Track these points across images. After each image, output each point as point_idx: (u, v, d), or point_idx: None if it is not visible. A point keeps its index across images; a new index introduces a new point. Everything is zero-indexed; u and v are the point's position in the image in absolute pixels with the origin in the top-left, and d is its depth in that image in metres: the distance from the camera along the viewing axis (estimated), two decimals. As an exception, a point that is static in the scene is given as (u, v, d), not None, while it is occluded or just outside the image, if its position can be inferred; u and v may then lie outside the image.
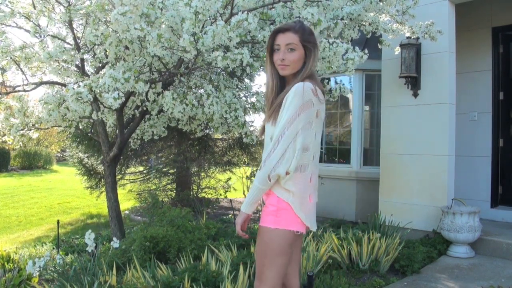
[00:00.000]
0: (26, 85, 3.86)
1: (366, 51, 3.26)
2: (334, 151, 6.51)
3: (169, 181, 8.06)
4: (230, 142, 7.61)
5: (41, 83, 3.99)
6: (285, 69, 1.82)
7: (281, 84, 1.90)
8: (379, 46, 4.01)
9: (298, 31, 1.81)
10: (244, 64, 2.85)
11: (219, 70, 4.20)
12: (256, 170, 2.12)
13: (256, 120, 25.22)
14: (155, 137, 4.41)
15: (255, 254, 1.87)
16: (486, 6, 5.09)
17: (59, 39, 3.65)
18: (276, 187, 1.78)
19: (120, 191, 5.62)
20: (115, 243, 3.15)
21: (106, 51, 3.63)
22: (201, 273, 2.78)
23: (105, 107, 3.81)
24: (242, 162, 8.14)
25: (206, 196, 7.77)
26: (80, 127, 4.16)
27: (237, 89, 4.67)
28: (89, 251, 3.08)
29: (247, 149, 7.59)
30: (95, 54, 3.73)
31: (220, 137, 7.71)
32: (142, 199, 6.77)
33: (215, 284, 2.73)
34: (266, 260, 1.79)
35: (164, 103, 3.39)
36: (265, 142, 1.92)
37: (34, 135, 3.91)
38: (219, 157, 7.64)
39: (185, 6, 2.63)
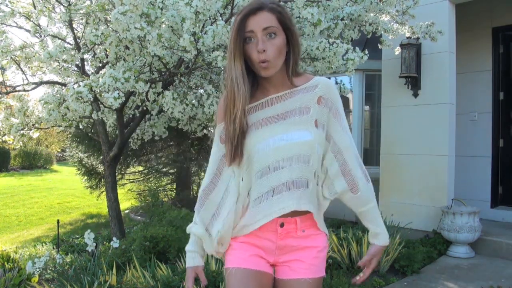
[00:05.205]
0: (26, 84, 3.87)
1: (366, 51, 3.26)
2: (334, 151, 6.50)
3: (169, 181, 8.05)
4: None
5: (41, 82, 3.99)
6: (268, 67, 1.21)
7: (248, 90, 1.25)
8: (380, 46, 4.01)
9: (274, 9, 1.21)
10: (244, 64, 2.85)
11: (219, 70, 4.20)
12: None
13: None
14: (156, 137, 4.41)
15: None
16: (486, 6, 5.09)
17: (59, 38, 3.66)
18: (320, 219, 1.38)
19: (120, 191, 5.62)
20: (115, 242, 3.15)
21: (106, 50, 3.63)
22: (201, 273, 2.77)
23: (105, 106, 3.81)
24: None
25: (206, 196, 7.74)
26: (80, 127, 4.16)
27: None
28: (89, 250, 3.08)
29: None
30: (95, 53, 3.73)
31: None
32: (142, 198, 6.76)
33: (215, 284, 2.73)
34: None
35: (164, 103, 3.39)
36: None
37: (34, 135, 3.91)
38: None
39: (185, 5, 2.64)
